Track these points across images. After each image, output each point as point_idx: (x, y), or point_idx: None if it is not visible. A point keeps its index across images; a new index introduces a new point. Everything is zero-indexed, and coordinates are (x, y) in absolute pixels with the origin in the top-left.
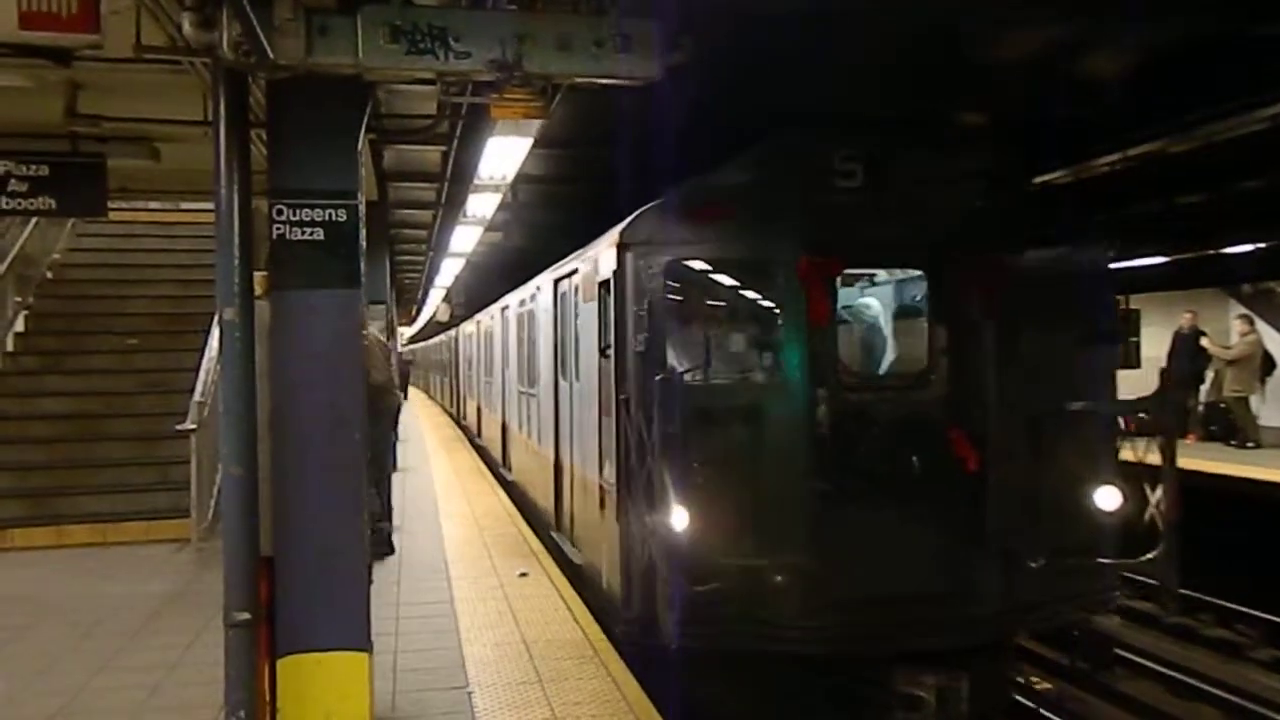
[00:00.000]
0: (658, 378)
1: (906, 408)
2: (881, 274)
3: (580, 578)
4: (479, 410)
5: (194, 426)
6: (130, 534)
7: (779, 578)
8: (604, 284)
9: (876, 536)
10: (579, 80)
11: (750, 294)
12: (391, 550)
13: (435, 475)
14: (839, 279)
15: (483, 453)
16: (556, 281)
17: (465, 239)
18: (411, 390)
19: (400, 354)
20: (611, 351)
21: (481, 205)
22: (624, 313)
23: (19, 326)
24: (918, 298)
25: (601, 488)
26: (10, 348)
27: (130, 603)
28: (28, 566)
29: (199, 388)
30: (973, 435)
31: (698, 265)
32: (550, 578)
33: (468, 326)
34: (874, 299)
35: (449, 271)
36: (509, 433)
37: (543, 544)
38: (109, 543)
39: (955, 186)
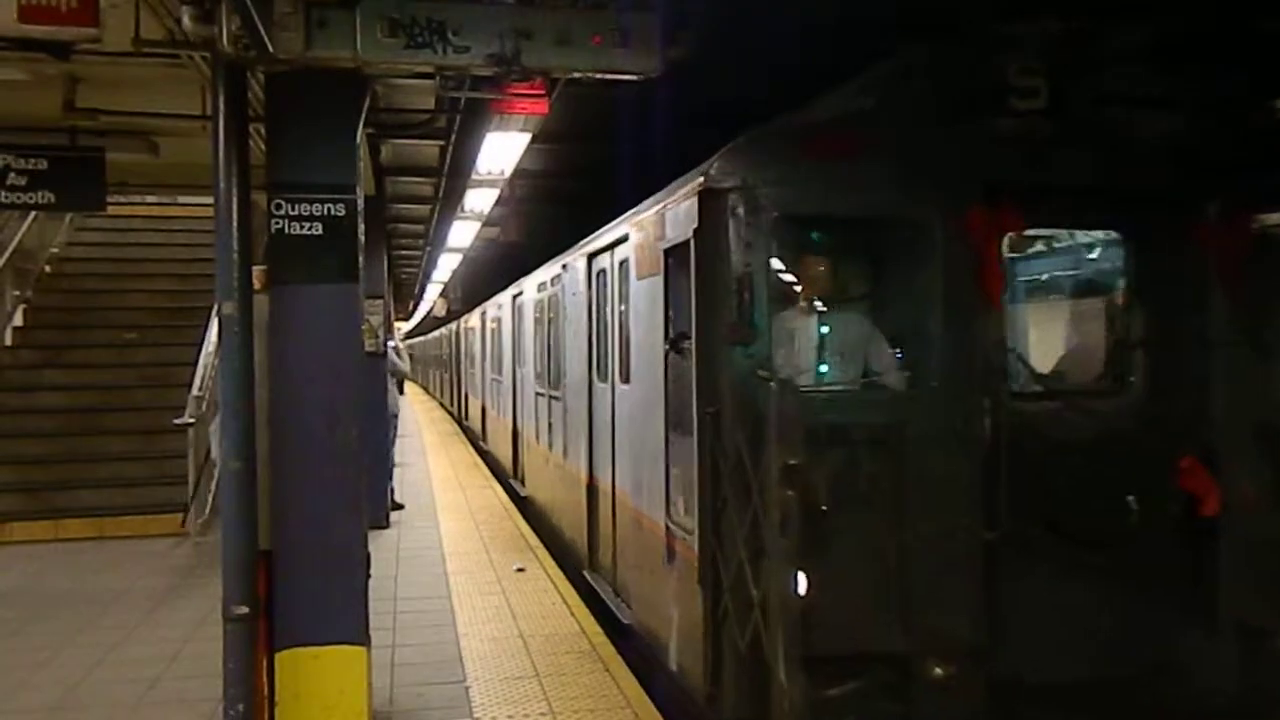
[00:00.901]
0: (773, 384)
1: (1101, 424)
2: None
3: (631, 642)
4: (484, 411)
5: (192, 421)
6: (128, 528)
7: (937, 670)
8: (674, 251)
9: (1071, 606)
10: (578, 74)
11: (892, 262)
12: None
13: (433, 471)
14: (1009, 243)
15: (487, 458)
16: (592, 257)
17: (463, 234)
18: (408, 385)
19: (397, 346)
20: (690, 344)
21: (479, 200)
22: (713, 289)
23: (17, 320)
24: (1103, 269)
25: (669, 531)
26: (8, 341)
27: (129, 596)
28: (26, 560)
29: (197, 382)
30: (1207, 463)
31: (819, 220)
32: (547, 572)
33: (471, 318)
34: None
35: (446, 266)
36: (523, 441)
37: (569, 581)
38: (107, 536)
39: (1172, 113)
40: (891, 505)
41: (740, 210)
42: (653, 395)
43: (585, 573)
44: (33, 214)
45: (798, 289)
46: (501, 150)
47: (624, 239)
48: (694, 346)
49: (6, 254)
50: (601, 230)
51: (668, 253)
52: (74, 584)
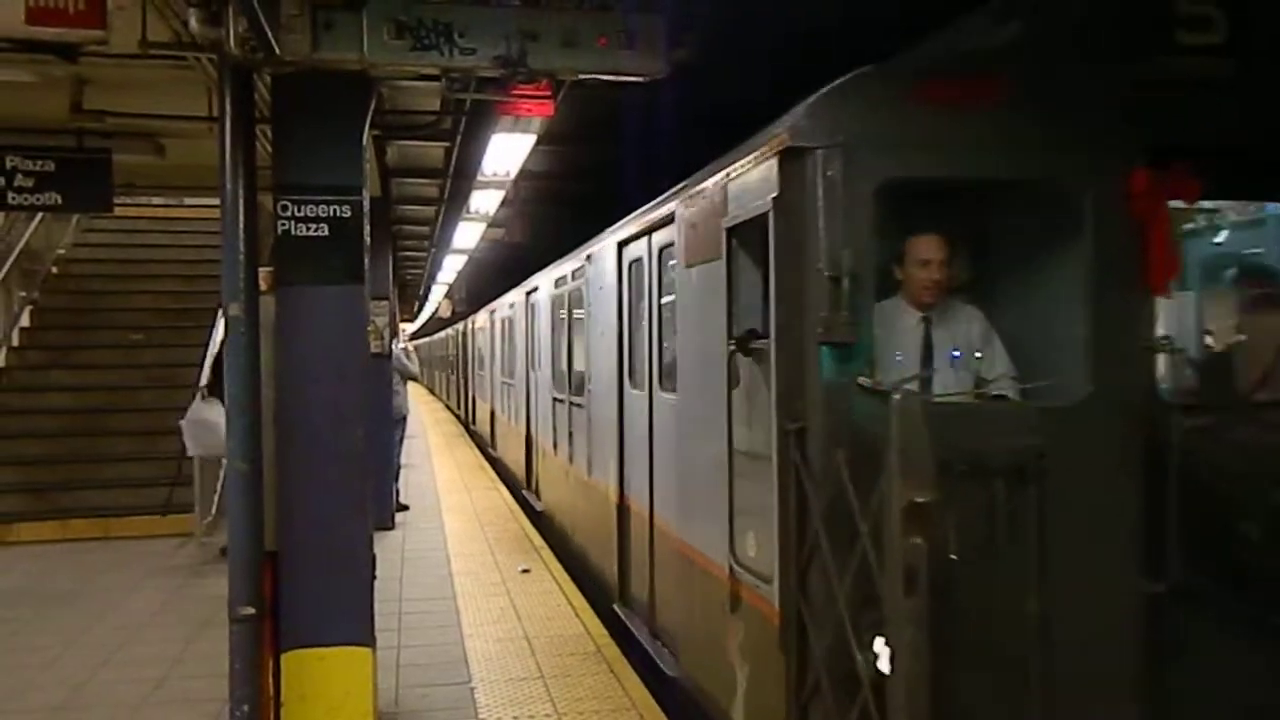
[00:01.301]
0: (894, 396)
1: None
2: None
3: (678, 697)
4: (493, 416)
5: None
6: (134, 528)
7: None
8: (740, 229)
9: (1256, 679)
10: (584, 76)
11: (1024, 240)
12: None
13: (438, 472)
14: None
15: (497, 465)
16: (623, 244)
17: (468, 235)
18: (413, 387)
19: (406, 348)
20: (765, 344)
21: (485, 201)
22: (799, 274)
23: (24, 321)
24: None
25: (734, 575)
26: (15, 342)
27: (134, 597)
28: (32, 560)
29: (202, 383)
30: None
31: (937, 186)
32: (552, 574)
33: (479, 318)
34: None
35: (451, 268)
36: (538, 450)
37: (600, 619)
38: (112, 537)
39: None
40: (1031, 551)
41: (835, 173)
42: (709, 406)
43: (616, 607)
44: (39, 215)
45: (904, 274)
46: (507, 152)
47: (667, 220)
48: (772, 347)
49: (13, 255)
50: (635, 213)
51: (732, 232)
52: (79, 584)
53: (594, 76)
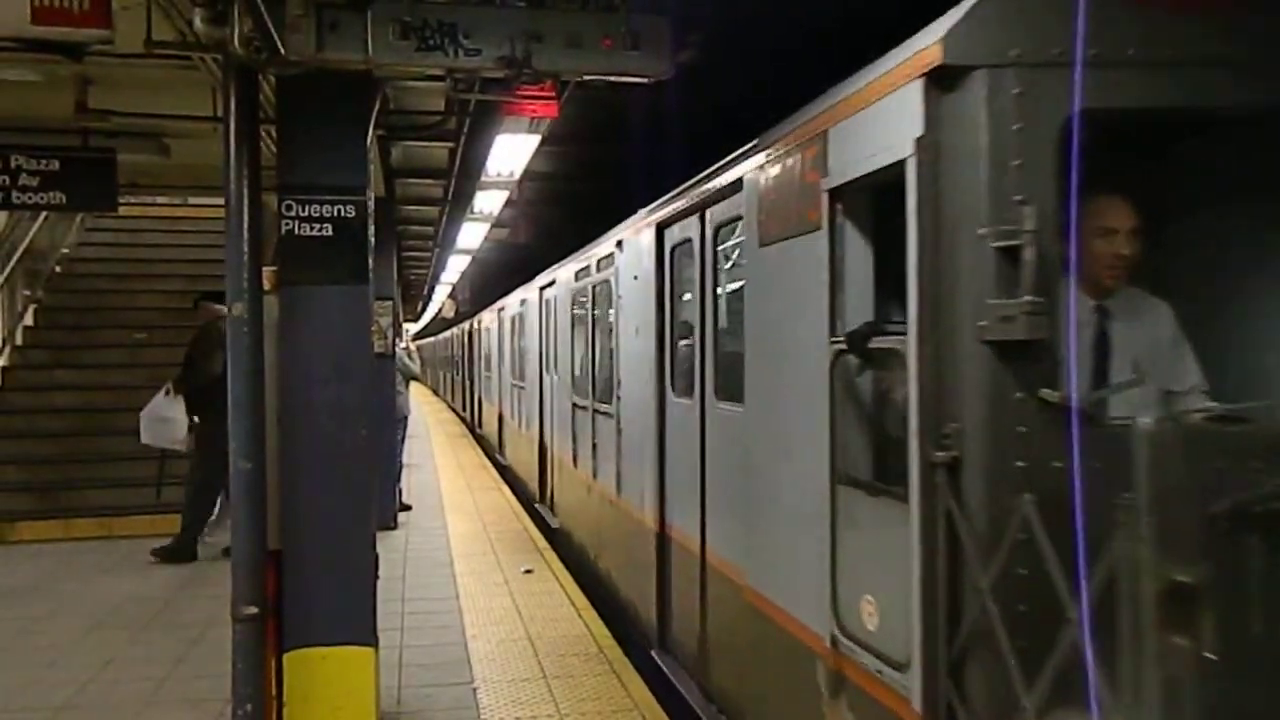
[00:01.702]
0: (1144, 422)
1: None
2: None
3: None
4: (501, 421)
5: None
6: (137, 527)
7: None
8: (850, 190)
9: None
10: (588, 77)
11: (1248, 199)
12: None
13: (441, 472)
14: None
15: (506, 473)
16: (664, 226)
17: (472, 235)
18: (416, 387)
19: (408, 347)
20: (903, 344)
21: (489, 201)
22: (953, 247)
23: (28, 320)
24: None
25: (838, 649)
26: (19, 341)
27: (137, 596)
28: (35, 559)
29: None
30: None
31: (1153, 120)
32: (555, 574)
33: (486, 316)
34: None
35: (455, 268)
36: (554, 461)
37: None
38: (116, 536)
39: None
40: None
41: (1008, 102)
42: (797, 422)
43: (655, 655)
44: (44, 214)
45: (1101, 242)
46: (511, 152)
47: (730, 189)
48: (910, 347)
49: (18, 254)
50: (679, 189)
51: (836, 194)
52: (83, 583)
53: (598, 77)
